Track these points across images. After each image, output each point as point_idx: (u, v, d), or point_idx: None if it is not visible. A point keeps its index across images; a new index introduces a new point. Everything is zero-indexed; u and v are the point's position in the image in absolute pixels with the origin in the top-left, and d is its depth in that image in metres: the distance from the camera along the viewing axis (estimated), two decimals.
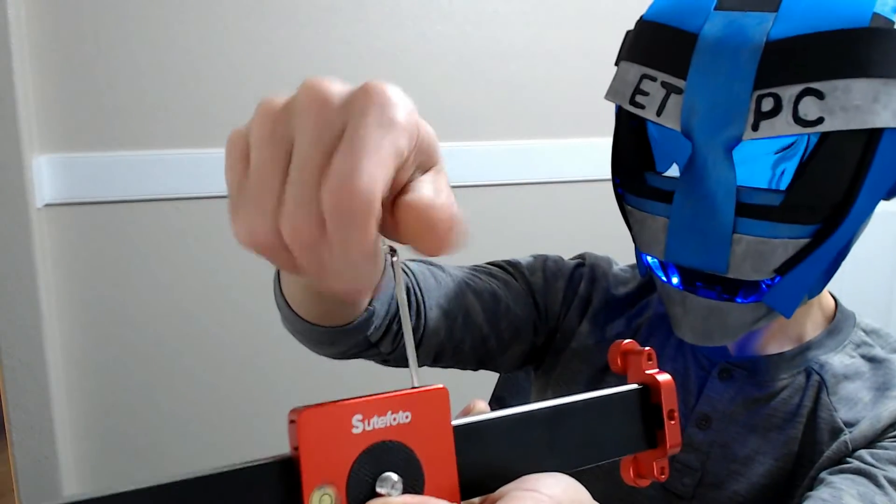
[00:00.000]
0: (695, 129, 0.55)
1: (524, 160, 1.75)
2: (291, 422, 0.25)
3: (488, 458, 0.29)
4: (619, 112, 0.64)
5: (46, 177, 1.44)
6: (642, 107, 0.58)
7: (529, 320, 0.72)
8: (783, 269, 0.56)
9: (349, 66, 1.59)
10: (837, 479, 0.56)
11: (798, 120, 0.52)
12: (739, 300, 0.58)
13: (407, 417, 0.26)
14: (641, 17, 0.62)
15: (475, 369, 0.72)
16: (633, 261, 0.78)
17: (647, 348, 0.36)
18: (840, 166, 0.54)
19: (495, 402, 1.08)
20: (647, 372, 0.35)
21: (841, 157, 0.54)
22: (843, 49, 0.51)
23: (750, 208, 0.55)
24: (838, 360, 0.65)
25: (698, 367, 0.68)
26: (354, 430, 0.25)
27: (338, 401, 0.25)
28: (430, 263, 0.67)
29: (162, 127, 1.51)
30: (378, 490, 0.26)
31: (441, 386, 0.28)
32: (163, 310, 1.57)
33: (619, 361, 0.36)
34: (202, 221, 1.56)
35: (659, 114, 0.57)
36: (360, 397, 0.26)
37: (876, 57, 0.51)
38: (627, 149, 0.64)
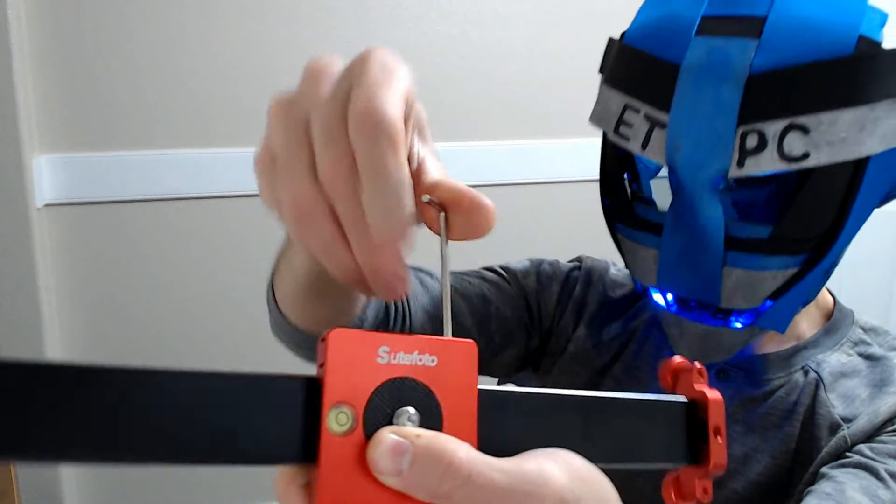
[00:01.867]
0: (679, 165, 0.54)
1: (524, 160, 1.75)
2: (322, 339, 0.26)
3: (512, 430, 0.28)
4: (605, 139, 0.64)
5: (46, 177, 1.45)
6: (627, 139, 0.58)
7: (521, 323, 0.72)
8: (775, 296, 0.57)
9: None
10: (839, 473, 0.56)
11: (783, 156, 0.51)
12: (733, 322, 0.59)
13: (433, 361, 0.26)
14: (622, 39, 0.61)
15: None
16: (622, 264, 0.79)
17: (697, 364, 0.35)
18: (828, 197, 0.54)
19: None
20: (697, 387, 0.34)
21: (828, 189, 0.54)
22: (828, 81, 0.50)
23: (739, 242, 0.55)
24: (835, 358, 0.65)
25: None
26: (380, 360, 0.26)
27: (369, 331, 0.26)
28: (419, 269, 0.67)
29: (162, 127, 1.51)
30: (395, 421, 0.25)
31: (471, 341, 0.27)
32: (162, 309, 1.57)
33: (669, 379, 0.36)
34: (202, 221, 1.56)
35: (644, 147, 0.56)
36: (389, 334, 0.26)
37: (861, 85, 0.51)
38: (615, 177, 0.64)
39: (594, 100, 0.64)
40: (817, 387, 0.63)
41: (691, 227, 0.55)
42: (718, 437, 0.33)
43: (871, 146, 0.51)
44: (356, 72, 0.27)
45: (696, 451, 0.33)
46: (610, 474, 0.29)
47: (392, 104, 0.26)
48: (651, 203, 0.63)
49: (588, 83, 1.87)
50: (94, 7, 1.43)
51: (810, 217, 0.54)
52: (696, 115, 0.53)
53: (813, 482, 0.59)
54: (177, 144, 1.52)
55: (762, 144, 0.52)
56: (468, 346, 0.27)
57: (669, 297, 0.61)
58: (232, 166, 1.55)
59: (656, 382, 0.70)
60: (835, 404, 0.62)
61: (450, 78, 1.66)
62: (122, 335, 1.56)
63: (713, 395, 0.34)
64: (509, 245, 1.78)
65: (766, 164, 0.52)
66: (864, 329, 0.68)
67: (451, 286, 0.68)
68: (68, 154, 1.46)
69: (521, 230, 1.78)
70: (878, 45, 0.52)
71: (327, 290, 0.45)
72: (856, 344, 0.66)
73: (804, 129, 0.51)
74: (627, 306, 0.74)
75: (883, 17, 0.53)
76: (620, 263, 0.80)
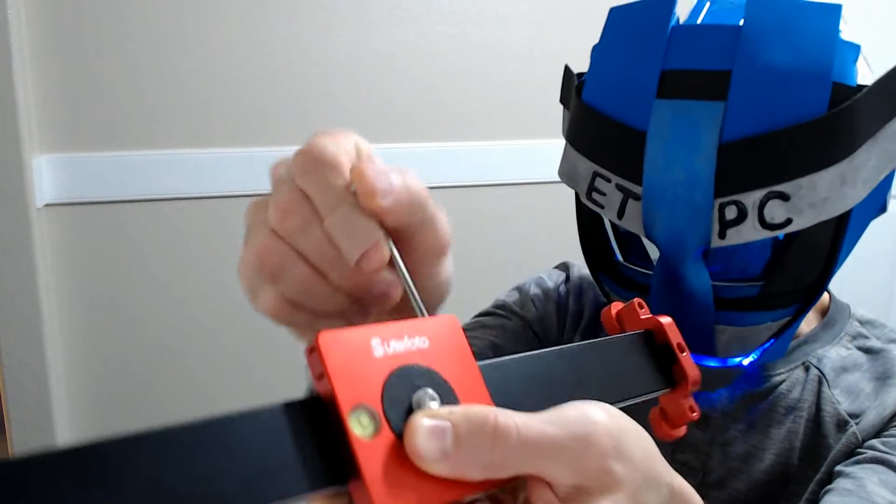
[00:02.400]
0: (659, 239, 0.53)
1: (524, 160, 1.75)
2: (311, 350, 0.24)
3: (517, 393, 0.28)
4: (578, 197, 0.62)
5: (46, 177, 1.44)
6: (601, 206, 0.56)
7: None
8: (769, 340, 0.57)
9: (349, 66, 1.59)
10: (856, 469, 0.56)
11: (765, 224, 0.50)
12: (733, 363, 0.59)
13: (424, 342, 0.26)
14: (580, 95, 0.58)
15: None
16: None
17: (634, 300, 0.36)
18: (815, 251, 0.53)
19: None
20: (644, 318, 0.35)
21: (814, 244, 0.53)
22: (805, 145, 0.48)
23: (729, 302, 0.54)
24: (835, 352, 0.65)
25: None
26: (376, 354, 0.25)
27: (350, 327, 0.25)
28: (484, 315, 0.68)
29: (162, 127, 1.51)
30: (416, 407, 0.24)
31: (451, 315, 0.27)
32: (163, 310, 1.57)
33: (615, 325, 0.36)
34: (202, 221, 1.56)
35: (620, 217, 0.55)
36: (370, 325, 0.26)
37: (839, 142, 0.48)
38: (594, 234, 0.63)
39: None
40: (820, 383, 0.63)
41: (679, 292, 0.54)
42: (684, 353, 0.34)
43: (853, 196, 0.50)
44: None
45: (669, 376, 0.34)
46: None
47: (325, 142, 0.30)
48: (635, 261, 0.62)
49: None
50: (94, 7, 1.43)
51: (800, 272, 0.54)
52: (669, 188, 0.51)
53: (828, 481, 0.59)
54: (177, 144, 1.52)
55: (742, 215, 0.50)
56: (450, 320, 0.27)
57: None
58: (232, 166, 1.55)
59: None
60: (840, 400, 0.62)
61: (450, 78, 1.66)
62: (122, 335, 1.56)
63: (664, 319, 0.35)
64: (509, 245, 1.78)
65: (747, 233, 0.50)
66: (860, 322, 0.68)
67: None
68: (68, 154, 1.46)
69: (521, 230, 1.78)
70: (851, 89, 0.49)
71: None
72: (854, 337, 0.67)
73: (784, 197, 0.49)
74: None
75: (855, 51, 0.50)
76: None
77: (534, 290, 0.76)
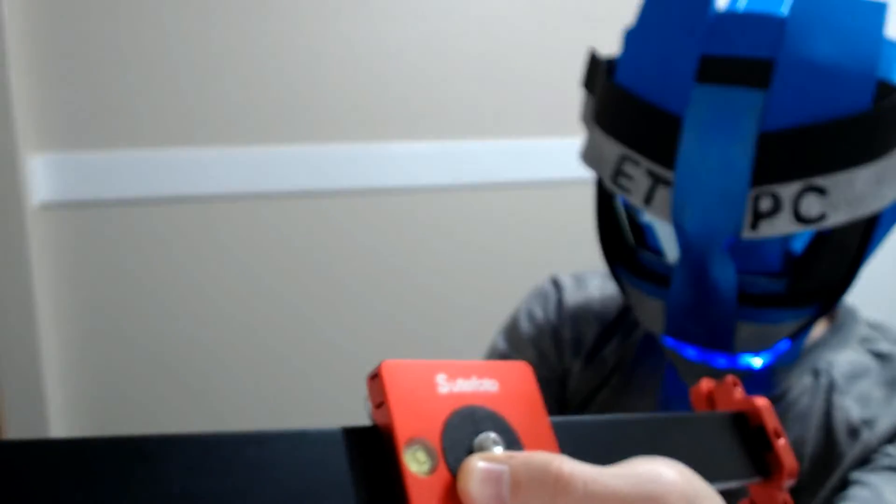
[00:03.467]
0: (687, 227, 0.52)
1: (524, 160, 1.74)
2: (373, 377, 0.23)
3: (589, 455, 0.26)
4: (600, 182, 0.60)
5: (42, 176, 1.43)
6: (628, 191, 0.54)
7: (547, 399, 0.71)
8: (791, 337, 0.56)
9: (349, 65, 1.58)
10: (872, 478, 0.55)
11: (799, 218, 0.49)
12: (741, 363, 0.58)
13: (494, 385, 0.25)
14: (611, 75, 0.57)
15: None
16: None
17: (728, 377, 0.34)
18: (844, 250, 0.53)
19: None
20: (739, 398, 0.33)
21: (845, 243, 0.52)
22: (845, 140, 0.47)
23: (752, 298, 0.53)
24: (845, 357, 0.64)
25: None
26: (440, 390, 0.23)
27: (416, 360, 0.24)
28: None
29: (159, 126, 1.49)
30: (477, 449, 0.23)
31: (525, 361, 0.26)
32: (161, 311, 1.56)
33: (705, 404, 0.34)
34: (202, 221, 1.55)
35: (647, 203, 0.53)
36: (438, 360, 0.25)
37: (879, 140, 0.48)
38: (614, 222, 0.61)
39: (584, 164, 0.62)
40: (830, 390, 0.62)
41: (702, 285, 0.53)
42: (781, 440, 0.31)
43: (889, 196, 0.50)
44: None
45: (761, 464, 0.31)
46: None
47: None
48: (656, 252, 0.60)
49: None
50: (90, 5, 1.42)
51: (827, 270, 0.53)
52: (704, 175, 0.50)
53: (841, 488, 0.58)
54: (174, 144, 1.51)
55: (777, 207, 0.49)
56: (524, 367, 0.26)
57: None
58: (232, 166, 1.54)
59: (658, 392, 0.69)
60: (851, 406, 0.61)
61: (450, 78, 1.65)
62: (119, 336, 1.54)
63: (761, 400, 0.32)
64: (510, 245, 1.77)
65: (781, 226, 0.49)
66: (870, 326, 0.67)
67: None
68: (64, 153, 1.45)
69: (521, 230, 1.77)
70: (895, 88, 0.48)
71: None
72: (864, 341, 0.65)
73: (821, 191, 0.48)
74: (624, 318, 0.73)
75: None
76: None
77: (525, 328, 0.74)
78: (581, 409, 0.71)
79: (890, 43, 0.49)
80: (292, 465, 0.21)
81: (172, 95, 1.49)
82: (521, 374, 0.25)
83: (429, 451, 0.22)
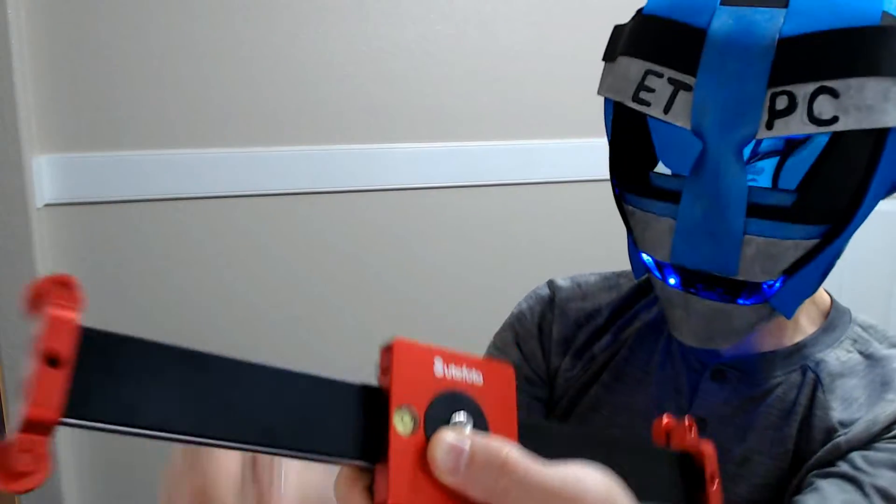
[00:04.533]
0: (706, 128, 0.54)
1: (524, 160, 1.75)
2: (386, 349, 0.28)
3: (543, 455, 0.30)
4: (617, 110, 0.63)
5: (46, 177, 1.44)
6: (647, 104, 0.57)
7: (530, 402, 0.72)
8: (790, 271, 0.56)
9: (349, 66, 1.59)
10: (825, 485, 0.56)
11: (813, 119, 0.51)
12: (741, 302, 0.58)
13: (479, 378, 0.29)
14: (640, 12, 0.61)
15: None
16: (626, 263, 0.78)
17: (687, 421, 0.38)
18: (852, 166, 0.54)
19: None
20: (690, 440, 0.37)
21: (853, 157, 0.53)
22: (857, 48, 0.51)
23: (761, 209, 0.54)
24: (834, 356, 0.64)
25: (689, 370, 0.67)
26: (436, 371, 0.28)
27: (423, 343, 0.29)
28: None
29: (162, 127, 1.51)
30: (451, 425, 0.28)
31: (510, 365, 0.30)
32: (162, 310, 1.57)
33: (663, 437, 0.38)
34: (202, 221, 1.56)
35: (667, 111, 0.55)
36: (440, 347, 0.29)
37: (886, 56, 0.51)
38: (628, 147, 0.63)
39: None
40: (815, 387, 0.63)
41: (713, 193, 0.54)
42: (714, 486, 0.36)
43: (894, 117, 0.51)
44: None
45: (693, 499, 0.36)
46: None
47: None
48: (666, 173, 0.62)
49: (588, 83, 1.87)
50: (93, 7, 1.43)
51: (835, 186, 0.54)
52: (724, 77, 0.53)
53: (801, 487, 0.59)
54: (177, 144, 1.52)
55: (792, 106, 0.51)
56: (508, 369, 0.30)
57: (672, 280, 0.60)
58: (232, 166, 1.55)
59: (648, 388, 0.69)
60: (833, 406, 0.61)
61: (450, 78, 1.66)
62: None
63: (706, 446, 0.37)
64: (510, 245, 1.78)
65: (795, 126, 0.51)
66: (862, 327, 0.68)
67: None
68: (68, 154, 1.46)
69: (521, 230, 1.78)
70: None
71: None
72: (855, 341, 0.66)
73: (834, 93, 0.51)
74: (617, 315, 0.74)
75: None
76: (615, 266, 0.79)
77: (517, 327, 0.77)
78: (571, 406, 0.72)
79: None
80: (309, 399, 0.26)
81: (175, 98, 1.51)
82: (504, 373, 0.30)
83: (413, 417, 0.27)
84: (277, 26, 1.54)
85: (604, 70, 0.63)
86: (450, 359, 0.29)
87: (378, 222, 1.67)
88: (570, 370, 0.73)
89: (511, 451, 0.26)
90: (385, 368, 0.28)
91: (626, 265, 0.79)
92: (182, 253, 1.56)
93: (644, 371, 0.69)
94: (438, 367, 0.28)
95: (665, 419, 0.38)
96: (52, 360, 0.22)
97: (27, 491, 0.20)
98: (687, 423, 0.37)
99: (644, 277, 0.69)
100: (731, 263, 0.55)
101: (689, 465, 0.36)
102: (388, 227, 1.68)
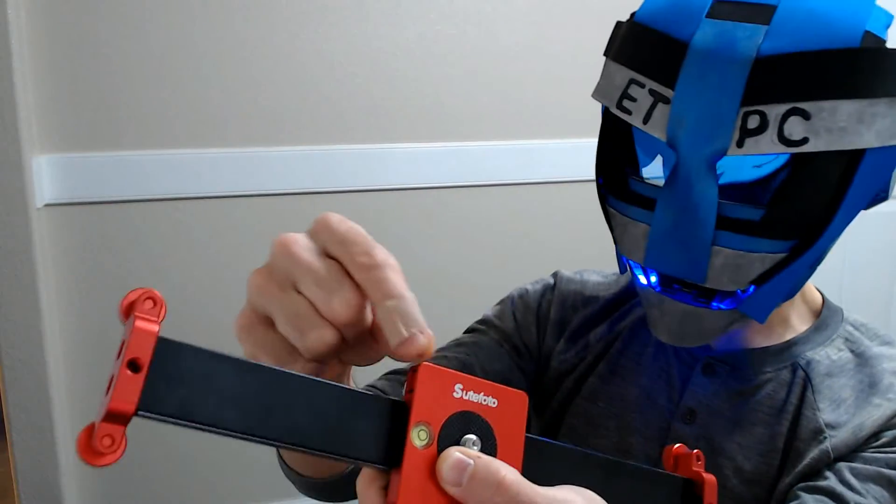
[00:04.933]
0: (680, 141, 0.55)
1: (524, 160, 1.75)
2: (413, 371, 0.31)
3: (546, 474, 0.34)
4: (606, 112, 0.64)
5: (46, 177, 1.45)
6: (629, 112, 0.59)
7: (512, 367, 0.73)
8: (759, 281, 0.57)
9: (349, 66, 1.59)
10: (809, 500, 0.57)
11: (783, 139, 0.52)
12: (714, 305, 0.59)
13: (494, 403, 0.33)
14: (633, 17, 0.62)
15: None
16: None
17: (696, 451, 0.41)
18: (821, 185, 0.54)
19: None
20: (695, 469, 0.41)
21: (823, 177, 0.54)
22: (832, 70, 0.51)
23: (730, 222, 0.56)
24: (825, 354, 0.65)
25: (681, 362, 0.68)
26: (455, 394, 0.32)
27: (447, 368, 0.32)
28: (397, 372, 0.70)
29: (162, 127, 1.51)
30: (461, 444, 0.31)
31: (524, 393, 0.34)
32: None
33: (671, 461, 0.42)
34: (202, 221, 1.56)
35: (645, 122, 0.57)
36: (464, 373, 0.33)
37: (863, 78, 0.52)
38: (612, 151, 0.65)
39: (593, 100, 0.64)
40: (805, 387, 0.63)
41: (684, 204, 0.56)
42: None
43: (867, 139, 0.52)
44: (325, 235, 0.34)
45: None
46: None
47: (380, 248, 0.33)
48: (645, 179, 0.63)
49: (588, 83, 1.88)
50: (93, 7, 1.43)
51: (803, 203, 0.55)
52: (700, 92, 0.54)
53: (788, 494, 0.60)
54: (177, 144, 1.52)
55: (763, 126, 0.52)
56: (522, 397, 0.34)
57: (653, 278, 0.62)
58: (232, 166, 1.55)
59: (642, 379, 0.70)
60: (821, 407, 0.62)
61: (450, 78, 1.67)
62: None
63: (709, 477, 0.40)
64: (509, 245, 1.78)
65: (765, 146, 0.52)
66: (854, 326, 0.68)
67: None
68: (68, 154, 1.46)
69: (521, 230, 1.78)
70: (882, 42, 0.53)
71: None
72: (847, 339, 0.67)
73: (805, 115, 0.52)
74: (613, 309, 0.74)
75: (889, 18, 0.54)
76: (611, 268, 0.80)
77: (515, 301, 0.78)
78: (571, 397, 0.73)
79: (880, 8, 0.54)
80: (342, 408, 0.30)
81: (175, 98, 1.51)
82: (517, 400, 0.34)
83: (429, 432, 0.31)
84: (277, 26, 1.54)
85: (603, 66, 0.64)
86: (470, 385, 0.32)
87: (378, 222, 1.67)
88: (563, 353, 0.74)
89: (508, 473, 0.30)
90: (409, 388, 0.31)
91: (615, 269, 0.80)
92: (182, 253, 1.56)
93: (637, 363, 0.70)
94: (458, 391, 0.32)
95: (675, 447, 0.42)
96: (133, 365, 0.26)
97: (104, 465, 0.25)
98: (695, 453, 0.41)
99: None
100: (700, 272, 0.57)
101: (690, 492, 0.40)
102: (388, 227, 1.68)
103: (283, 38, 1.55)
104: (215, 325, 1.60)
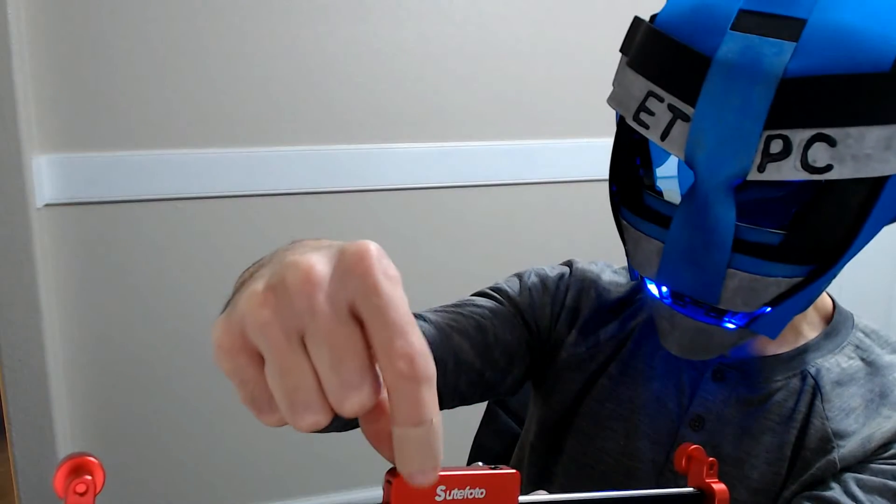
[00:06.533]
0: (699, 162, 0.53)
1: (524, 160, 1.75)
2: (387, 482, 0.29)
3: None
4: (622, 122, 0.62)
5: (46, 177, 1.45)
6: (647, 126, 0.56)
7: (522, 342, 0.72)
8: (774, 303, 0.56)
9: (349, 66, 1.59)
10: None
11: (806, 166, 0.50)
12: (726, 321, 0.58)
13: (482, 493, 0.30)
14: (653, 22, 0.59)
15: (480, 401, 0.72)
16: (626, 263, 0.78)
17: (711, 458, 0.39)
18: (844, 211, 0.53)
19: (476, 450, 1.06)
20: (707, 480, 0.39)
21: (845, 203, 0.53)
22: (861, 96, 0.49)
23: (747, 245, 0.54)
24: (836, 362, 0.64)
25: (692, 367, 0.67)
26: (437, 498, 0.29)
27: None
28: (461, 303, 0.68)
29: (162, 127, 1.51)
30: None
31: (515, 471, 0.31)
32: (162, 309, 1.57)
33: (683, 463, 0.40)
34: (202, 221, 1.56)
35: (663, 138, 0.55)
36: (445, 469, 0.29)
37: (892, 104, 0.50)
38: (627, 162, 0.63)
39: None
40: (814, 395, 0.63)
41: (701, 225, 0.54)
42: None
43: (893, 166, 0.50)
44: (359, 289, 0.27)
45: None
46: None
47: (423, 345, 0.26)
48: (660, 194, 0.62)
49: (588, 83, 1.88)
50: (93, 7, 1.43)
51: (823, 229, 0.53)
52: (722, 112, 0.52)
53: (795, 496, 0.59)
54: (177, 144, 1.52)
55: (786, 151, 0.50)
56: (512, 477, 0.31)
57: (664, 289, 0.60)
58: (232, 166, 1.55)
59: (652, 382, 0.69)
60: (830, 416, 0.61)
61: (450, 78, 1.66)
62: (122, 335, 1.56)
63: (720, 487, 0.38)
64: (509, 245, 1.78)
65: (787, 172, 0.50)
66: (864, 332, 0.67)
67: (445, 325, 0.68)
68: (68, 154, 1.46)
69: (521, 230, 1.78)
70: None
71: None
72: (857, 347, 0.66)
73: (831, 141, 0.49)
74: (625, 306, 0.73)
75: None
76: (616, 264, 0.79)
77: (532, 279, 0.76)
78: (579, 399, 0.72)
79: None
80: None
81: (175, 98, 1.51)
82: (508, 482, 0.31)
83: None
84: (278, 26, 1.54)
85: (619, 66, 0.62)
86: (453, 483, 0.30)
87: (378, 222, 1.67)
88: (574, 346, 0.73)
89: None
90: (386, 501, 0.29)
91: (625, 263, 0.80)
92: (182, 253, 1.56)
93: (649, 365, 0.69)
94: (440, 493, 0.29)
95: (690, 447, 0.40)
96: None
97: None
98: (710, 461, 0.39)
99: None
100: (714, 293, 0.56)
101: (699, 501, 0.38)
102: (388, 227, 1.68)
103: (283, 38, 1.54)
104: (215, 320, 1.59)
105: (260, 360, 0.29)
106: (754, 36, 0.51)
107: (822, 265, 0.54)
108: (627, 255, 0.63)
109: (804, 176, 0.50)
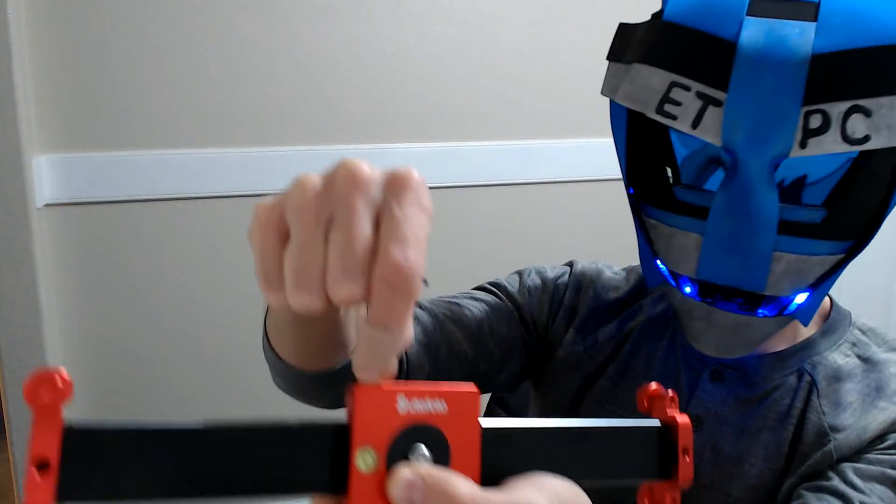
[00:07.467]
0: (738, 145, 0.53)
1: (524, 160, 1.75)
2: (349, 395, 0.30)
3: (510, 460, 0.33)
4: (634, 119, 0.61)
5: (46, 177, 1.45)
6: (673, 117, 0.55)
7: (519, 338, 0.72)
8: (815, 284, 0.56)
9: (349, 65, 1.59)
10: (813, 500, 0.56)
11: (846, 137, 0.51)
12: (761, 312, 0.58)
13: (443, 406, 0.31)
14: (660, 17, 0.59)
15: None
16: (627, 263, 0.78)
17: (670, 392, 0.40)
18: (879, 183, 0.54)
19: (494, 403, 1.08)
20: (669, 412, 0.39)
21: (879, 173, 0.54)
22: (889, 66, 0.51)
23: (791, 226, 0.54)
24: (833, 359, 0.65)
25: (689, 368, 0.67)
26: (399, 409, 0.30)
27: (387, 383, 0.30)
28: (493, 284, 0.69)
29: (162, 127, 1.51)
30: (410, 458, 0.30)
31: (475, 390, 0.32)
32: (162, 309, 1.57)
33: (645, 403, 0.40)
34: (202, 221, 1.56)
35: (695, 126, 0.54)
36: (406, 382, 0.31)
37: None
38: (648, 161, 0.62)
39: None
40: (810, 391, 0.63)
41: (744, 211, 0.54)
42: (686, 457, 0.38)
43: None
44: (393, 192, 0.29)
45: (667, 468, 0.38)
46: (597, 490, 0.34)
47: (420, 265, 0.29)
48: (692, 186, 0.61)
49: (588, 83, 1.88)
50: (93, 7, 1.43)
51: (864, 202, 0.54)
52: (757, 94, 0.52)
53: (791, 495, 0.59)
54: (177, 144, 1.52)
55: (826, 125, 0.51)
56: (472, 394, 0.32)
57: (688, 289, 0.60)
58: (232, 166, 1.55)
59: (645, 384, 0.70)
60: (825, 411, 0.62)
61: (450, 78, 1.66)
62: (122, 335, 1.56)
63: (682, 419, 0.39)
64: (510, 245, 1.78)
65: (829, 145, 0.51)
66: (862, 330, 0.67)
67: (440, 313, 0.68)
68: (68, 154, 1.46)
69: (521, 230, 1.78)
70: None
71: (317, 323, 0.46)
72: (854, 344, 0.66)
73: (867, 112, 0.51)
74: (623, 307, 0.74)
75: None
76: (617, 264, 0.79)
77: (532, 276, 0.76)
78: (580, 398, 0.72)
79: None
80: (280, 446, 0.29)
81: (175, 98, 1.51)
82: (468, 399, 0.32)
83: (375, 455, 0.29)
84: (278, 27, 1.54)
85: (609, 71, 0.62)
86: (413, 394, 0.30)
87: None
88: (572, 344, 0.73)
89: (461, 487, 0.28)
90: (350, 413, 0.30)
91: (626, 263, 0.80)
92: (182, 253, 1.56)
93: (647, 367, 0.69)
94: (402, 404, 0.30)
95: (651, 386, 0.40)
96: (41, 465, 0.26)
97: None
98: (670, 394, 0.39)
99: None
100: (760, 280, 0.55)
101: (665, 437, 0.38)
102: None
103: (283, 39, 1.54)
104: (215, 325, 1.60)
105: (285, 239, 0.31)
106: (773, 20, 0.52)
107: (860, 240, 0.55)
108: (655, 254, 0.62)
109: (845, 148, 0.51)
